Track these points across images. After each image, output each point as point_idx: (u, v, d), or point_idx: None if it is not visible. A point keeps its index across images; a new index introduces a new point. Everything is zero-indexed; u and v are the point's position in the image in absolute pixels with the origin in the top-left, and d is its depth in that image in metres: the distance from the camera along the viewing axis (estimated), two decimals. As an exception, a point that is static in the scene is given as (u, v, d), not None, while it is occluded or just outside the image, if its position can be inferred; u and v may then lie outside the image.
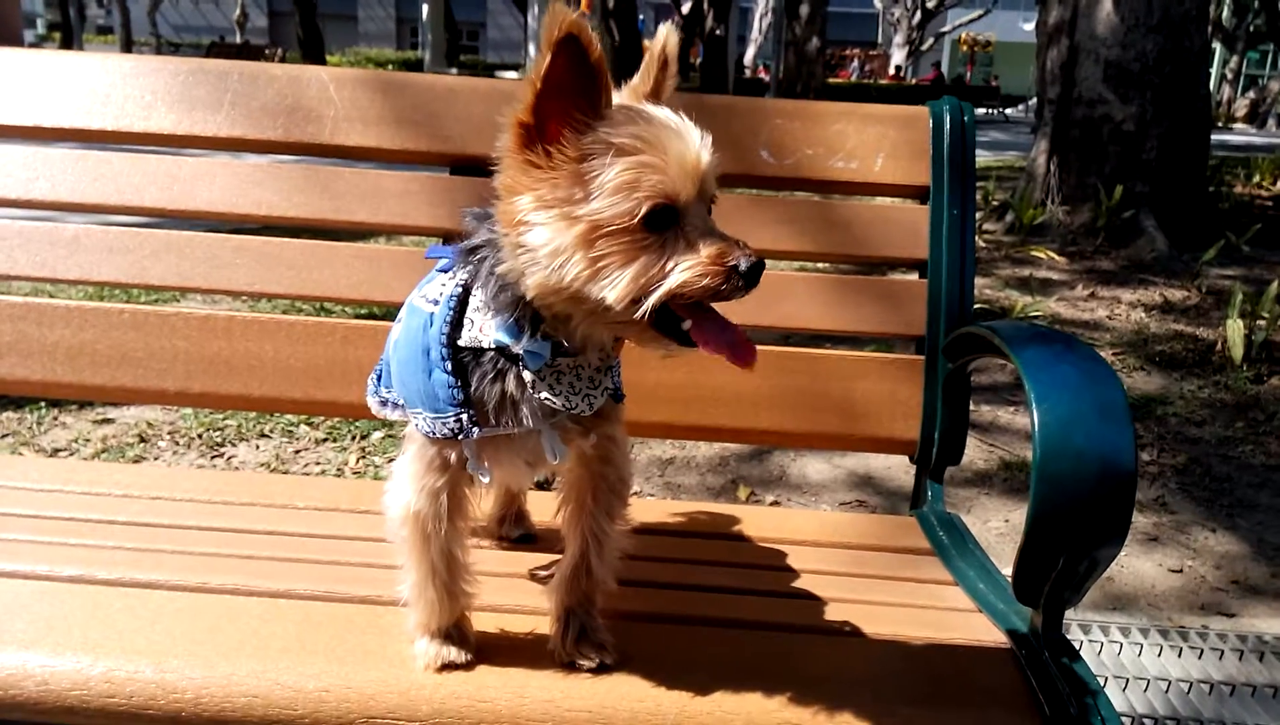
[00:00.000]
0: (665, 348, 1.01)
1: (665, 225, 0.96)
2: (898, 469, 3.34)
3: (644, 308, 0.95)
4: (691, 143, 0.97)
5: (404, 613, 1.17)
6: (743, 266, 0.95)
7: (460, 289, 1.09)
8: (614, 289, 0.95)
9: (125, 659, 1.11)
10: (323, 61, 23.22)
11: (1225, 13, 28.07)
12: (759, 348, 1.67)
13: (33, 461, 2.87)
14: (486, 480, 1.12)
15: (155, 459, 3.20)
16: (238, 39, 35.75)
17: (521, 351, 1.04)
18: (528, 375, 1.06)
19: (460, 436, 1.07)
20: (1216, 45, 27.65)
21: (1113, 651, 2.30)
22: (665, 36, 1.09)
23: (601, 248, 0.95)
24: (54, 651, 1.11)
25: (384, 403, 1.25)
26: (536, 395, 1.06)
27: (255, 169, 1.68)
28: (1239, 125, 28.22)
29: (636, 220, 0.94)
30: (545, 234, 0.96)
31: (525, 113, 0.95)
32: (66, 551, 1.36)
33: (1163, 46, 6.54)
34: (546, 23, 0.91)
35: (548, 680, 1.12)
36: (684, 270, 0.95)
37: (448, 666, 1.12)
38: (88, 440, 3.30)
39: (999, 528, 2.97)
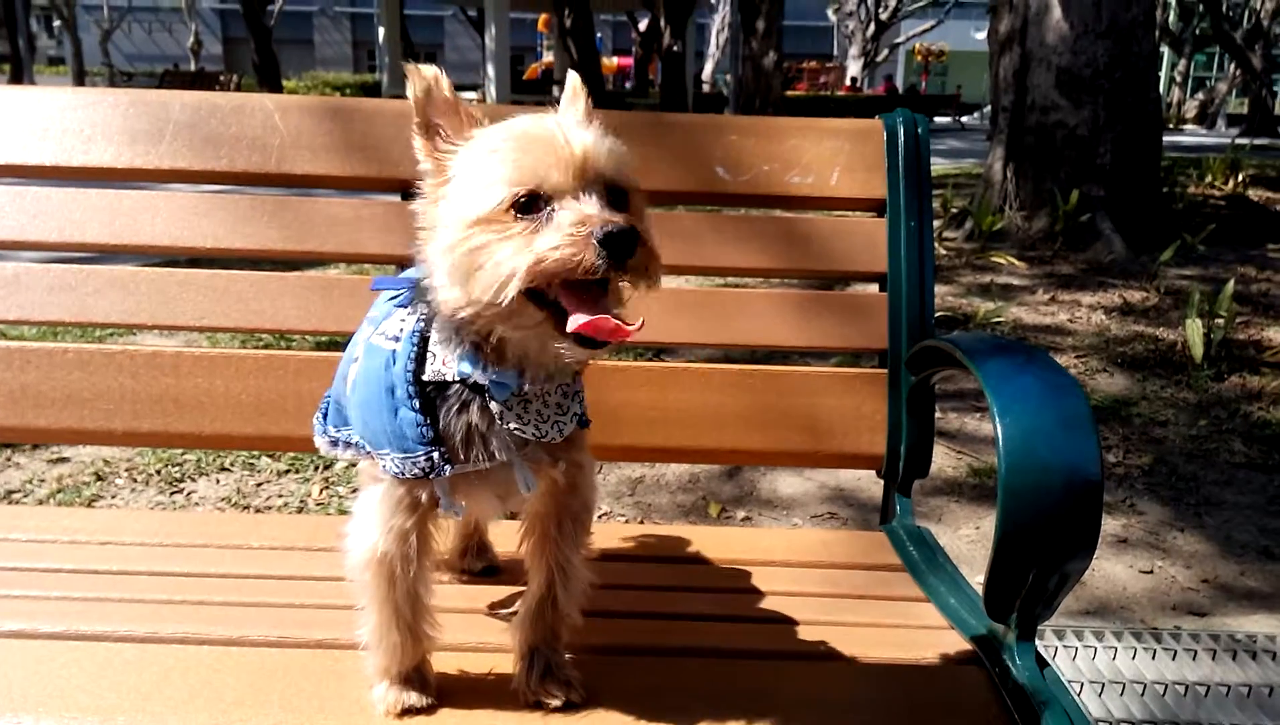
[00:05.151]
0: (566, 345, 0.95)
1: (533, 211, 0.94)
2: (868, 480, 3.33)
3: (509, 290, 0.92)
4: (561, 133, 0.97)
5: (362, 656, 1.13)
6: (598, 233, 0.91)
7: (422, 323, 1.07)
8: (484, 276, 0.94)
9: (69, 718, 1.06)
10: (279, 87, 23.00)
11: (1171, 17, 28.67)
12: (724, 367, 1.66)
13: (-19, 507, 2.78)
14: (460, 517, 1.09)
15: (112, 498, 3.12)
16: (192, 66, 35.35)
17: (487, 382, 1.02)
18: (495, 406, 1.04)
19: (432, 475, 1.04)
20: (1164, 49, 28.22)
21: (1088, 656, 2.30)
22: (574, 81, 1.11)
23: (476, 241, 0.94)
24: (-7, 713, 1.06)
25: (334, 442, 1.21)
26: (505, 426, 1.04)
27: (200, 200, 1.63)
28: (1189, 126, 28.78)
29: (503, 208, 0.94)
30: (436, 244, 0.99)
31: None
32: (8, 604, 1.30)
33: (1112, 52, 6.65)
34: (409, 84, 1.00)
35: (513, 722, 1.09)
36: (540, 245, 0.92)
37: (408, 712, 1.08)
38: (42, 480, 3.21)
39: (969, 535, 2.97)
